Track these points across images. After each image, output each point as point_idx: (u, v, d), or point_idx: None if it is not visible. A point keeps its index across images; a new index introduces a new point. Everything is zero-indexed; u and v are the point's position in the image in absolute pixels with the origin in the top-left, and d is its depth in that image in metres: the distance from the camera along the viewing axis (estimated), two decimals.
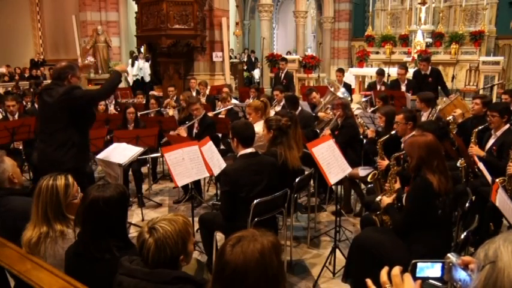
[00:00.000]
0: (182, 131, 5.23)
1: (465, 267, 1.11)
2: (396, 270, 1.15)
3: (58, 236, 2.16)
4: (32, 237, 2.14)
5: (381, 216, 3.04)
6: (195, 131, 5.40)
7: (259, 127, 4.27)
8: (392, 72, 9.04)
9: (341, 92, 6.61)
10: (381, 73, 7.88)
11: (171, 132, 5.36)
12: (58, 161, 3.32)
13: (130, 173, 5.09)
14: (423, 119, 5.08)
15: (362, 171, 4.24)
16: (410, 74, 8.02)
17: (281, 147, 3.59)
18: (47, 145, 3.44)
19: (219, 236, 3.36)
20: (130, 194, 5.17)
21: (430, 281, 1.16)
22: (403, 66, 7.85)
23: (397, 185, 3.12)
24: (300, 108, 5.58)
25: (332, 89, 6.49)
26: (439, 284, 1.16)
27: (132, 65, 12.54)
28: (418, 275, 1.15)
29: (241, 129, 3.18)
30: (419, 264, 1.14)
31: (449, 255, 1.16)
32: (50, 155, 3.40)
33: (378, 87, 7.76)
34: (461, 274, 1.11)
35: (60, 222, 2.18)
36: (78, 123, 3.47)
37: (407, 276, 1.13)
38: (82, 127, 3.53)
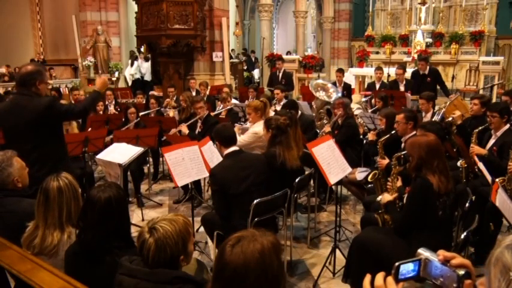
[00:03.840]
0: (184, 128, 5.23)
1: (445, 262, 1.07)
2: (379, 280, 1.12)
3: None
4: (52, 241, 2.14)
5: (383, 215, 3.04)
6: (198, 130, 5.41)
7: (259, 127, 4.27)
8: (392, 72, 9.04)
9: (333, 91, 6.28)
10: (379, 69, 7.93)
11: (173, 130, 5.35)
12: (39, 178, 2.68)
13: (129, 173, 5.08)
14: (426, 119, 5.07)
15: (359, 175, 4.21)
16: (408, 74, 8.02)
17: (280, 147, 3.59)
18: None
19: None
20: (130, 194, 5.18)
21: (429, 281, 1.14)
22: (401, 66, 7.85)
23: (399, 183, 3.12)
24: (300, 112, 5.55)
25: (319, 94, 6.22)
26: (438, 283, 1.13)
27: (132, 64, 12.54)
28: (400, 277, 1.11)
29: (220, 131, 3.29)
30: (402, 266, 1.11)
31: (420, 251, 1.13)
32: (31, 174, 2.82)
33: (377, 86, 7.76)
34: (443, 270, 1.07)
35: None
36: (54, 137, 3.21)
37: (390, 283, 1.10)
38: (57, 139, 3.27)
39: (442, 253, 1.09)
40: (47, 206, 2.19)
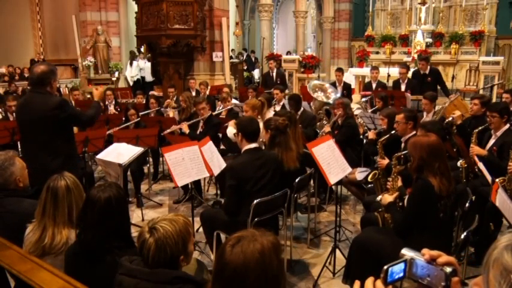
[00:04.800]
0: (185, 126, 5.23)
1: (431, 261, 1.06)
2: (369, 285, 1.10)
3: None
4: (61, 240, 2.16)
5: (383, 214, 3.03)
6: (200, 130, 5.41)
7: None
8: (392, 72, 9.03)
9: (331, 92, 6.20)
10: (375, 68, 7.93)
11: (174, 126, 5.35)
12: (48, 169, 2.95)
13: (128, 173, 5.07)
14: (427, 119, 5.07)
15: (359, 175, 4.21)
16: (409, 74, 8.02)
17: (278, 149, 3.59)
18: (35, 156, 3.27)
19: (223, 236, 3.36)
20: (130, 194, 5.17)
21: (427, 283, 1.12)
22: (405, 65, 7.85)
23: (399, 183, 3.11)
24: (302, 108, 5.56)
25: (317, 94, 6.13)
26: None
27: (131, 64, 12.54)
28: (389, 279, 1.09)
29: (246, 125, 3.25)
30: (391, 269, 1.09)
31: (403, 251, 1.12)
32: (40, 164, 3.19)
33: (374, 85, 7.75)
34: (429, 269, 1.06)
35: None
36: (64, 133, 3.39)
37: (379, 287, 1.09)
38: (68, 135, 3.45)
39: (427, 252, 1.08)
40: (56, 205, 2.20)
